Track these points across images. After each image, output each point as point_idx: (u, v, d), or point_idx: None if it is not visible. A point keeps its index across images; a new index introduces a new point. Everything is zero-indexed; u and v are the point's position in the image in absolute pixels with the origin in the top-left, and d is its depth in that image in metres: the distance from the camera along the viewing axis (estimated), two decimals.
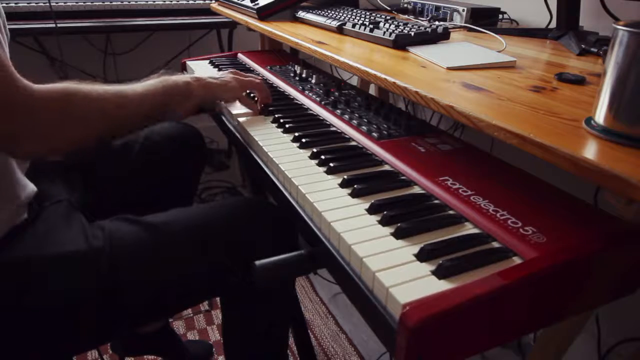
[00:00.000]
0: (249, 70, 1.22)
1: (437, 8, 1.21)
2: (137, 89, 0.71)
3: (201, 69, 1.22)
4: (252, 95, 0.92)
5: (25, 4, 1.59)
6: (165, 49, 2.15)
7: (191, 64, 1.27)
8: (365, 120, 0.80)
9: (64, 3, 1.68)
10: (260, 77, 0.93)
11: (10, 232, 0.64)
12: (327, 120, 0.83)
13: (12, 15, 1.56)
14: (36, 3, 1.61)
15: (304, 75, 1.08)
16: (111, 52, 2.11)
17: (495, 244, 0.49)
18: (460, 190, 0.57)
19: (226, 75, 0.86)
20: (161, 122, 0.74)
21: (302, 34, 1.04)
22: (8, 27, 0.65)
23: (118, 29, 1.76)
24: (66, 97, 0.61)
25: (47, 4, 1.54)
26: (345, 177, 0.62)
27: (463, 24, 1.11)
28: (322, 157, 0.68)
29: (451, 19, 1.17)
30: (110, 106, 0.66)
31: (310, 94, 0.95)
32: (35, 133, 0.58)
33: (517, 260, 0.46)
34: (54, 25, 1.54)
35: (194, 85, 0.78)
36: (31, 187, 0.71)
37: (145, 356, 1.28)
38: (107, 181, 0.88)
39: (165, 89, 0.74)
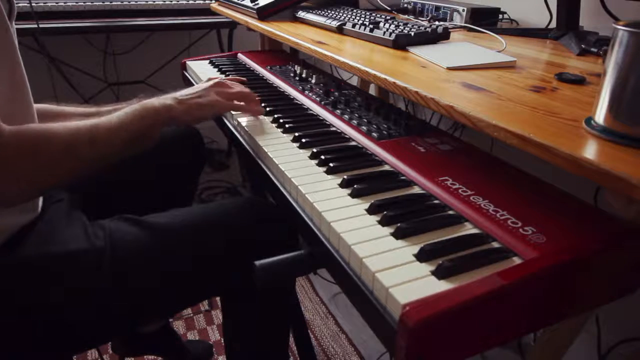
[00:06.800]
0: (249, 70, 1.22)
1: (437, 8, 1.21)
2: (112, 122, 0.67)
3: (201, 69, 1.22)
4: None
5: (25, 4, 1.59)
6: (165, 49, 2.16)
7: (191, 64, 1.27)
8: (365, 120, 0.80)
9: (64, 3, 1.68)
10: (246, 88, 0.88)
11: (18, 231, 0.64)
12: (327, 120, 0.83)
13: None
14: (36, 3, 1.61)
15: (304, 75, 1.08)
16: (111, 52, 2.12)
17: (495, 244, 0.49)
18: (460, 190, 0.57)
19: (209, 90, 0.80)
20: (143, 149, 0.70)
21: (302, 34, 1.04)
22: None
23: (118, 29, 1.76)
24: (35, 139, 0.58)
25: (46, 4, 1.54)
26: (345, 177, 0.62)
27: (463, 24, 1.11)
28: (322, 157, 0.68)
29: (451, 19, 1.17)
30: (82, 145, 0.63)
31: (310, 94, 0.95)
32: (4, 177, 0.56)
33: (517, 261, 0.46)
34: (51, 25, 1.54)
35: (176, 110, 0.74)
36: None
37: (145, 356, 1.28)
38: (107, 181, 0.89)
39: (143, 118, 0.70)
